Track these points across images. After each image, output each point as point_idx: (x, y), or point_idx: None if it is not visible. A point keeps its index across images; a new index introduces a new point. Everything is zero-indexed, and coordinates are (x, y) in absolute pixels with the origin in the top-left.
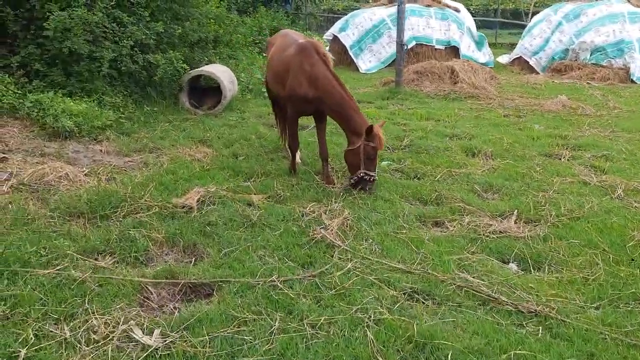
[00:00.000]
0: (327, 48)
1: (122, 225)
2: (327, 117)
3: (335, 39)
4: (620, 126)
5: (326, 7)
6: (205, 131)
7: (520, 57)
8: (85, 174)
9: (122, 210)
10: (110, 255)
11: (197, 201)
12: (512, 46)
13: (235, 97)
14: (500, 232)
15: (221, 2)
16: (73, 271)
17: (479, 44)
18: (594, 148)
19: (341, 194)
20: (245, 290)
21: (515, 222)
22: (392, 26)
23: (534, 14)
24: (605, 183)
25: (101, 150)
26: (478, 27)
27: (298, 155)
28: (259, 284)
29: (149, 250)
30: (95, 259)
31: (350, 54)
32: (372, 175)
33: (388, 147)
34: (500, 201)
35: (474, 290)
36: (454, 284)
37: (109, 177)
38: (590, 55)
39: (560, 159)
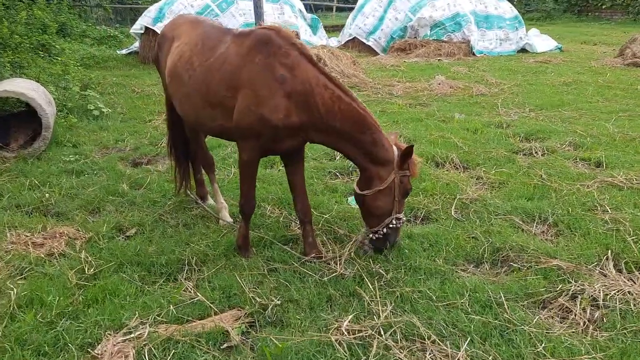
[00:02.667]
0: (137, 44)
1: None
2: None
3: (149, 32)
4: (532, 103)
5: None
6: (37, 188)
7: (355, 38)
8: None
9: None
10: None
11: None
12: (329, 28)
13: (56, 123)
14: None
15: None
16: None
17: (313, 28)
18: (549, 135)
19: (359, 273)
20: None
21: (619, 271)
22: (220, 12)
23: None
24: (636, 183)
25: None
26: None
27: (211, 201)
28: None
29: None
30: None
31: None
32: (402, 219)
33: (340, 173)
34: (564, 238)
35: None
36: None
37: None
38: (431, 31)
39: (536, 155)
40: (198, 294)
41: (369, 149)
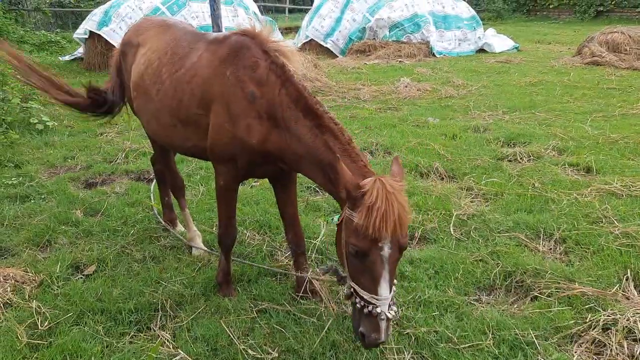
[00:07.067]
0: (81, 50)
1: None
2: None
3: (94, 37)
4: (503, 105)
5: (54, 0)
6: None
7: (312, 40)
8: None
9: None
10: None
11: None
12: (283, 30)
13: None
14: None
15: None
16: None
17: None
18: (529, 139)
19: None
20: None
21: None
22: (170, 15)
23: None
24: (634, 190)
25: None
26: None
27: (181, 228)
28: None
29: None
30: None
31: None
32: (377, 302)
33: (320, 188)
34: (575, 256)
35: None
36: None
37: None
38: (390, 33)
39: (522, 161)
40: (179, 350)
41: (335, 181)
